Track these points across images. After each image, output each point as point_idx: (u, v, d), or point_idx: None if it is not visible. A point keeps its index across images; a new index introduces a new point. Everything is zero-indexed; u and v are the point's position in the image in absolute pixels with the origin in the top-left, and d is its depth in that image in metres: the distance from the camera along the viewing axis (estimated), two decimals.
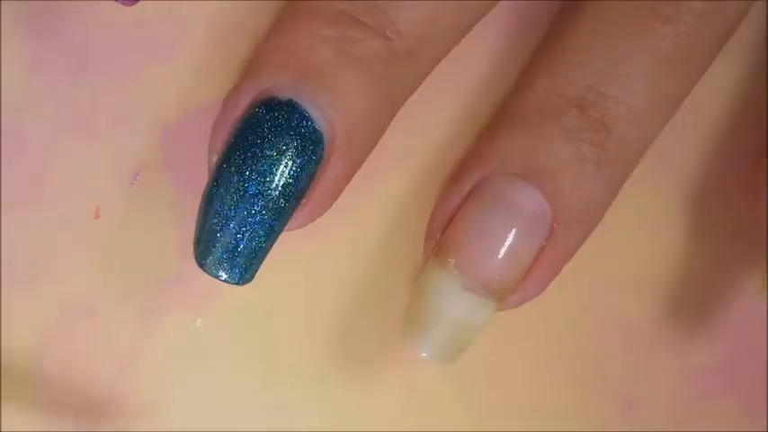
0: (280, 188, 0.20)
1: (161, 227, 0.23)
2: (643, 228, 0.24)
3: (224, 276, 0.21)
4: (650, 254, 0.25)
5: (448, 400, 0.24)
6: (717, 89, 0.24)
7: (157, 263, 0.23)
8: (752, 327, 0.25)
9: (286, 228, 0.21)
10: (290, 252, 0.23)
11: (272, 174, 0.20)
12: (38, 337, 0.23)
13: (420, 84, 0.22)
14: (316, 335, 0.24)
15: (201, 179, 0.23)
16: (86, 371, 0.23)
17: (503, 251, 0.21)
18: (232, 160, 0.20)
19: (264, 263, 0.22)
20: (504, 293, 0.22)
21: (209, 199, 0.21)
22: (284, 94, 0.20)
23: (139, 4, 0.21)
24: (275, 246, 0.23)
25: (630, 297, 0.24)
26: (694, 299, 0.25)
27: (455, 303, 0.21)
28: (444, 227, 0.22)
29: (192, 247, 0.21)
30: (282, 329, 0.24)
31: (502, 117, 0.22)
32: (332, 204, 0.22)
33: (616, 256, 0.24)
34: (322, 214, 0.22)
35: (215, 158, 0.21)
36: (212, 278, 0.21)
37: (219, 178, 0.21)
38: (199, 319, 0.24)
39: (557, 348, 0.24)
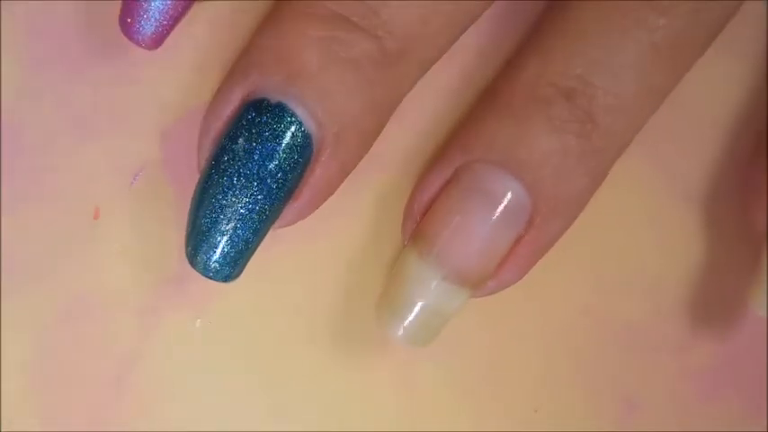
0: (267, 189, 0.20)
1: (161, 227, 0.23)
2: (643, 228, 0.24)
3: (211, 274, 0.21)
4: (650, 254, 0.25)
5: (448, 401, 0.24)
6: (717, 88, 0.24)
7: (157, 263, 0.23)
8: (752, 327, 0.25)
9: (274, 226, 0.21)
10: (290, 252, 0.23)
11: (260, 175, 0.20)
12: (38, 337, 0.23)
13: (413, 85, 0.22)
14: (315, 335, 0.24)
15: None
16: (86, 371, 0.23)
17: (480, 242, 0.21)
18: (221, 161, 0.20)
19: (263, 262, 0.22)
20: (480, 282, 0.22)
21: (199, 198, 0.21)
22: (274, 96, 0.20)
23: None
24: (275, 246, 0.23)
25: (630, 297, 0.24)
26: (694, 299, 0.25)
27: (430, 291, 0.22)
28: (423, 211, 0.22)
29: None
30: (282, 330, 0.24)
31: (488, 103, 0.22)
32: (321, 204, 0.22)
33: (616, 257, 0.24)
34: (310, 213, 0.22)
35: (204, 159, 0.21)
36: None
37: (209, 179, 0.21)
38: (198, 320, 0.24)
39: (557, 348, 0.24)
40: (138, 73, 0.23)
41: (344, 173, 0.22)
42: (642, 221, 0.24)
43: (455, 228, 0.21)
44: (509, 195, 0.21)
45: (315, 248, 0.24)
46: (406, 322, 0.22)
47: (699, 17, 0.21)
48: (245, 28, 0.23)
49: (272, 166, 0.20)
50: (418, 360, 0.24)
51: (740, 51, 0.24)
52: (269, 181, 0.20)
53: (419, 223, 0.22)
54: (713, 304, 0.25)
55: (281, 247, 0.23)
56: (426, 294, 0.22)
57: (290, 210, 0.21)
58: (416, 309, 0.22)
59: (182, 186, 0.23)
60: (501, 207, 0.21)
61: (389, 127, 0.22)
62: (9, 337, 0.23)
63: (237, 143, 0.20)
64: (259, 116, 0.20)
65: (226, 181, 0.20)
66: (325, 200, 0.22)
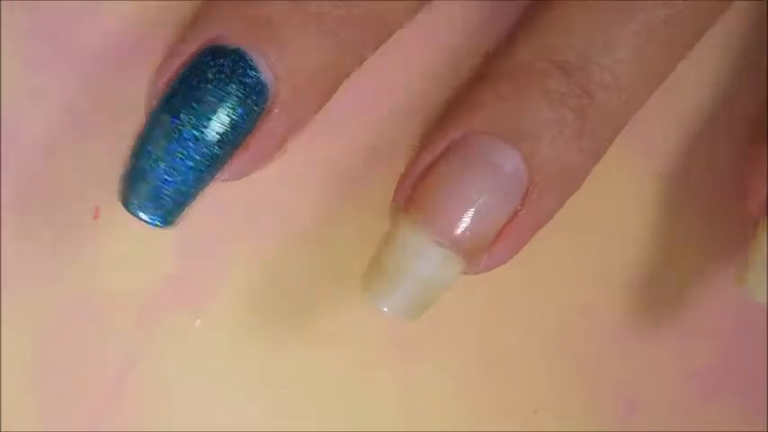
0: (216, 135, 0.20)
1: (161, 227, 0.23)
2: (643, 228, 0.24)
3: (145, 217, 0.20)
4: (650, 254, 0.25)
5: (447, 401, 0.24)
6: (706, 83, 0.24)
7: (157, 263, 0.23)
8: (752, 327, 0.25)
9: (217, 177, 0.21)
10: (290, 252, 0.23)
11: (209, 120, 0.20)
12: (38, 337, 0.23)
13: (375, 49, 0.22)
14: (315, 335, 0.24)
15: None
16: (86, 371, 0.23)
17: (476, 208, 0.21)
18: (171, 102, 0.20)
19: (263, 262, 0.22)
20: (474, 252, 0.21)
21: (142, 139, 0.20)
22: (232, 43, 0.20)
23: (139, 11, 0.21)
24: (274, 246, 0.23)
25: (630, 297, 0.24)
26: (694, 299, 0.25)
27: (423, 259, 0.21)
28: (418, 180, 0.22)
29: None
30: (282, 329, 0.24)
31: (486, 76, 0.22)
32: (269, 162, 0.21)
33: (616, 257, 0.24)
34: (256, 169, 0.21)
35: (155, 98, 0.21)
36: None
37: (156, 119, 0.20)
38: (198, 320, 0.24)
39: (556, 349, 0.24)
40: (138, 73, 0.23)
41: (296, 129, 0.21)
42: (642, 222, 0.24)
43: (451, 195, 0.21)
44: (507, 165, 0.21)
45: (315, 248, 0.24)
46: (396, 292, 0.21)
47: (697, 4, 0.21)
48: None
49: (223, 112, 0.20)
50: (418, 360, 0.24)
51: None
52: (218, 127, 0.20)
53: (412, 192, 0.22)
54: (713, 304, 0.25)
55: (282, 247, 0.23)
56: (418, 262, 0.21)
57: (238, 160, 0.21)
58: (407, 277, 0.21)
59: None
60: (499, 176, 0.21)
61: (395, 121, 0.22)
62: (9, 337, 0.23)
63: (190, 85, 0.20)
64: (216, 61, 0.20)
65: (173, 122, 0.20)
66: (274, 155, 0.21)
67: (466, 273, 0.22)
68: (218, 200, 0.23)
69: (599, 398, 0.25)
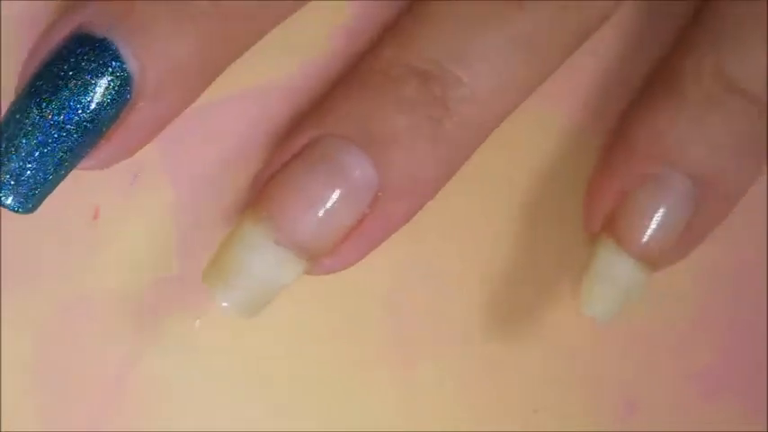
0: (78, 123, 0.20)
1: (161, 227, 0.23)
2: None
3: (6, 203, 0.20)
4: None
5: (447, 401, 0.24)
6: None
7: (157, 263, 0.23)
8: (752, 327, 0.25)
9: (80, 165, 0.21)
10: None
11: (72, 107, 0.20)
12: (38, 337, 0.23)
13: (248, 46, 0.22)
14: (315, 335, 0.24)
15: (202, 179, 0.23)
16: (86, 371, 0.23)
17: (320, 211, 0.21)
18: (34, 88, 0.20)
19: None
20: (316, 254, 0.21)
21: (4, 125, 0.20)
22: (101, 32, 0.20)
23: None
24: None
25: None
26: (694, 299, 0.25)
27: (261, 257, 0.21)
28: (268, 179, 0.22)
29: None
30: (282, 329, 0.24)
31: (345, 80, 0.22)
32: (133, 153, 0.21)
33: None
34: (121, 159, 0.21)
35: (21, 83, 0.20)
36: None
37: (18, 106, 0.20)
38: (198, 321, 0.24)
39: (557, 349, 0.24)
40: None
41: (162, 122, 0.21)
42: None
43: (296, 195, 0.21)
44: (356, 170, 0.21)
45: None
46: (234, 289, 0.21)
47: (565, 15, 0.21)
48: None
49: (85, 101, 0.20)
50: (418, 360, 0.24)
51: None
52: (80, 115, 0.20)
53: (260, 191, 0.22)
54: (713, 304, 0.25)
55: None
56: (257, 260, 0.21)
57: (101, 150, 0.21)
58: (245, 275, 0.21)
59: (181, 187, 0.23)
60: (347, 180, 0.21)
61: None
62: (9, 337, 0.23)
63: (53, 73, 0.20)
64: (81, 49, 0.20)
65: (35, 108, 0.20)
66: (140, 147, 0.21)
67: (310, 273, 0.22)
68: (218, 199, 0.23)
69: (599, 398, 0.25)
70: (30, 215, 0.23)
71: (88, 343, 0.23)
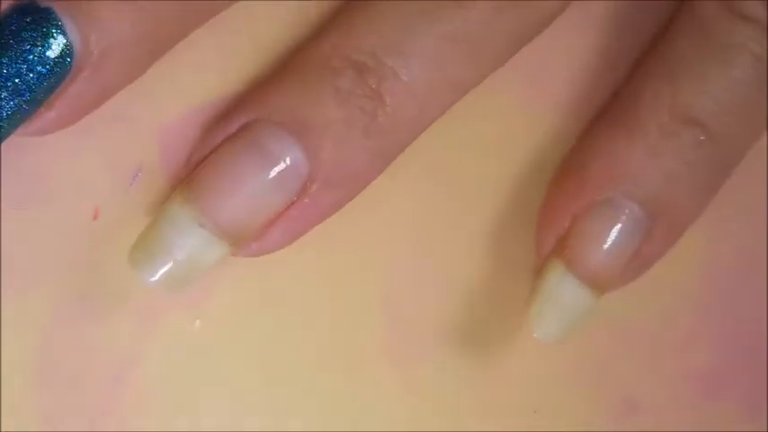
0: (16, 90, 0.20)
1: None
2: None
3: None
4: None
5: (447, 401, 0.24)
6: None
7: None
8: (752, 327, 0.25)
9: (21, 132, 0.21)
10: (289, 252, 0.23)
11: (12, 74, 0.20)
12: (38, 337, 0.23)
13: (195, 27, 0.22)
14: (315, 335, 0.24)
15: None
16: (86, 371, 0.23)
17: (245, 195, 0.21)
18: None
19: (263, 262, 0.22)
20: (240, 238, 0.21)
21: None
22: (42, 2, 0.20)
23: None
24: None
25: (631, 297, 0.24)
26: (694, 299, 0.25)
27: (184, 237, 0.21)
28: (200, 161, 0.22)
29: None
30: (282, 329, 0.24)
31: (283, 68, 0.22)
32: (75, 120, 0.21)
33: None
34: (57, 129, 0.21)
35: None
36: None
37: None
38: (198, 321, 0.24)
39: (556, 349, 0.24)
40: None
41: (103, 96, 0.21)
42: None
43: (223, 178, 0.21)
44: (286, 156, 0.21)
45: (314, 248, 0.24)
46: (158, 267, 0.21)
47: (503, 15, 0.21)
48: (243, 28, 0.23)
49: (24, 68, 0.20)
50: (418, 360, 0.24)
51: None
52: (19, 84, 0.20)
53: (190, 171, 0.22)
54: (713, 304, 0.25)
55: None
56: (181, 240, 0.21)
57: (40, 118, 0.21)
58: (169, 254, 0.21)
59: None
60: (275, 166, 0.21)
61: None
62: (9, 337, 0.23)
63: None
64: (24, 18, 0.20)
65: None
66: (80, 117, 0.21)
67: (235, 255, 0.22)
68: None
69: (599, 398, 0.25)
70: (30, 215, 0.23)
71: (88, 343, 0.23)
